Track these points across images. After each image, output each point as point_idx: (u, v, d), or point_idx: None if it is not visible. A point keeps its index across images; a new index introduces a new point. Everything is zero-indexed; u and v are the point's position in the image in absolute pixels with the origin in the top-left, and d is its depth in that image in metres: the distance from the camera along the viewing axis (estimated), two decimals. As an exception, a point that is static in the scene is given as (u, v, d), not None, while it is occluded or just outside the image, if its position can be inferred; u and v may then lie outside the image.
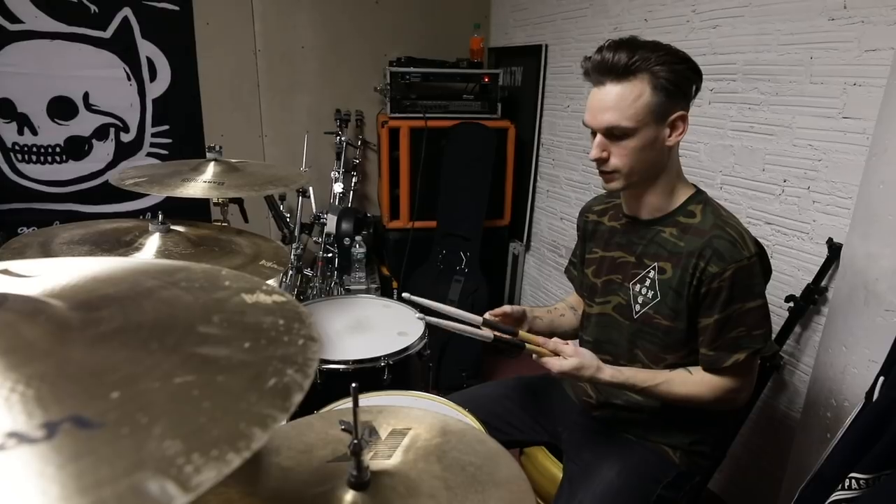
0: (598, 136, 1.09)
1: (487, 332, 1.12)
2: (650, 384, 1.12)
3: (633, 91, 1.03)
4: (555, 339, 1.12)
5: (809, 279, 1.48)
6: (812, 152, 1.47)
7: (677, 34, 1.89)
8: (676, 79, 1.03)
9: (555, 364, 1.09)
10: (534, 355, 1.12)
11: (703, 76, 1.83)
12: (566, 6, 2.51)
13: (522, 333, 1.15)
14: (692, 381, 1.12)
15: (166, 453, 0.34)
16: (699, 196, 1.16)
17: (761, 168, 1.62)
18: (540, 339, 1.13)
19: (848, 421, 1.08)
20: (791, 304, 1.50)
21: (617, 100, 1.04)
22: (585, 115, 1.11)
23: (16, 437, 0.32)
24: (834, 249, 1.40)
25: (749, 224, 1.68)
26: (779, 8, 1.53)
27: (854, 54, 1.34)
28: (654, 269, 1.15)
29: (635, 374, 1.13)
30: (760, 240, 1.62)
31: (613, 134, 1.07)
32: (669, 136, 1.07)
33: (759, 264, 1.08)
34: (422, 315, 1.13)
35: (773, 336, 1.57)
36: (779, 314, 1.60)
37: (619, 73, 1.04)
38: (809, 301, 1.47)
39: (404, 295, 1.20)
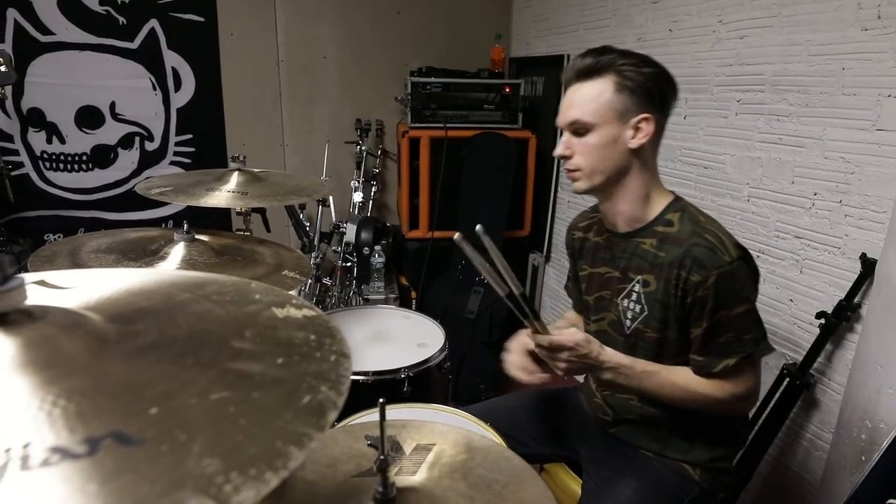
0: (565, 134, 1.12)
1: (504, 287, 1.01)
2: (650, 369, 1.09)
3: (596, 88, 1.07)
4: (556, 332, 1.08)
5: (841, 295, 1.44)
6: (844, 165, 1.43)
7: (703, 44, 1.87)
8: (642, 80, 1.06)
9: (565, 337, 1.03)
10: (529, 332, 1.07)
11: (727, 87, 1.81)
12: (589, 16, 2.50)
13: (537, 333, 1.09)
14: (691, 376, 1.10)
15: (206, 472, 0.33)
16: (677, 204, 1.14)
17: (790, 181, 1.59)
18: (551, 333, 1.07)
19: (885, 444, 1.05)
20: (822, 320, 1.46)
21: (581, 97, 1.09)
22: (557, 118, 1.14)
23: (59, 452, 0.32)
24: (868, 265, 1.36)
25: (778, 238, 1.65)
26: (808, 18, 1.50)
27: (889, 65, 1.31)
28: (638, 282, 1.13)
29: (636, 360, 1.11)
30: (789, 254, 1.61)
31: (577, 131, 1.10)
32: (633, 137, 1.08)
33: (743, 267, 1.05)
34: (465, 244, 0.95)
35: (804, 354, 1.53)
36: (809, 331, 1.56)
37: (585, 73, 1.08)
38: (842, 318, 1.43)
39: (478, 228, 0.97)
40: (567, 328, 1.09)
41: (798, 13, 1.53)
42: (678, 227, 1.10)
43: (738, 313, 1.04)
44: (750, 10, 1.69)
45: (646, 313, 1.12)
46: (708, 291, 1.03)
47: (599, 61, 1.06)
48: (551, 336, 1.04)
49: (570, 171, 1.13)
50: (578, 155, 1.10)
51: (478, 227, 0.96)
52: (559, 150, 1.12)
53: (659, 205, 1.14)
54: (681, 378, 1.10)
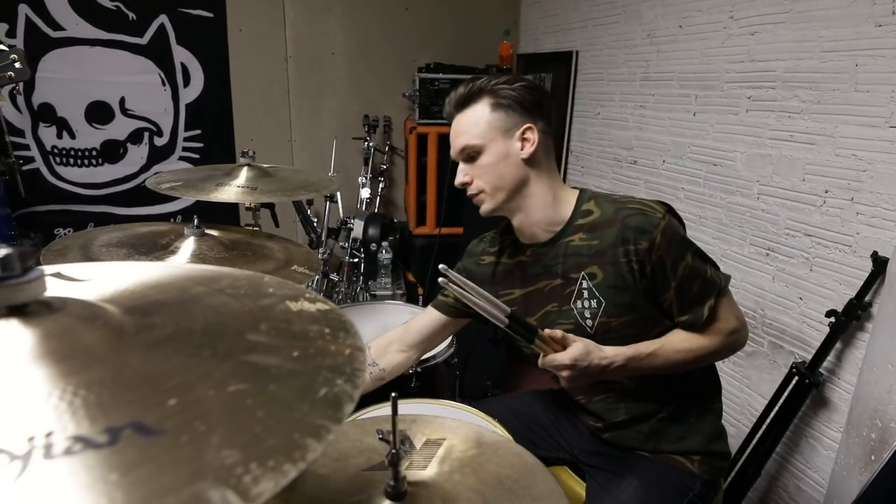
0: (461, 163, 1.16)
1: (503, 318, 1.04)
2: (652, 349, 1.09)
3: (475, 113, 1.12)
4: (562, 332, 1.07)
5: (852, 294, 1.43)
6: (856, 162, 1.42)
7: (714, 41, 1.86)
8: (514, 94, 1.10)
9: (563, 356, 1.04)
10: (541, 354, 1.06)
11: (737, 83, 1.80)
12: (598, 12, 2.49)
13: (540, 332, 1.09)
14: (690, 336, 1.11)
15: (225, 463, 0.33)
16: (586, 194, 1.17)
17: (801, 178, 1.58)
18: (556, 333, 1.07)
19: (896, 443, 1.04)
20: (832, 318, 1.46)
21: (464, 124, 1.14)
22: (451, 151, 1.18)
23: (82, 441, 0.32)
24: (879, 263, 1.35)
25: (788, 235, 1.64)
26: (821, 14, 1.49)
27: (902, 62, 1.30)
28: (584, 278, 1.13)
29: (635, 345, 1.10)
30: (800, 252, 1.60)
31: (470, 156, 1.13)
32: (522, 149, 1.12)
33: (673, 218, 1.09)
34: (447, 280, 0.99)
35: (814, 352, 1.53)
36: (819, 329, 1.55)
37: (462, 103, 1.14)
38: (852, 316, 1.42)
39: (441, 267, 1.01)
40: (570, 336, 1.06)
41: (811, 9, 1.52)
42: (600, 211, 1.12)
43: (692, 259, 1.08)
44: (762, 5, 1.67)
45: (604, 304, 1.12)
46: (661, 251, 1.05)
47: (472, 88, 1.12)
48: (549, 357, 1.05)
49: (474, 196, 1.16)
50: (477, 178, 1.14)
51: (441, 266, 0.99)
52: (459, 179, 1.16)
53: (569, 202, 1.16)
54: (681, 343, 1.11)
